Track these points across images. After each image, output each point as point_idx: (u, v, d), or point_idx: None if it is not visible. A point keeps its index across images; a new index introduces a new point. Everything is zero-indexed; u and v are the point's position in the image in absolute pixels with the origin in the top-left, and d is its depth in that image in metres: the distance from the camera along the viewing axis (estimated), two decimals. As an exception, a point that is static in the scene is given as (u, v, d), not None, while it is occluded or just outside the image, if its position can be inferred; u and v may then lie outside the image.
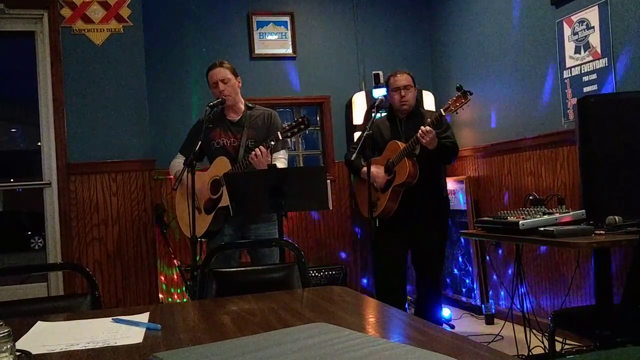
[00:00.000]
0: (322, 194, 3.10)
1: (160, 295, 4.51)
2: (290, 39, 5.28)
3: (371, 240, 3.54)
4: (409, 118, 3.79)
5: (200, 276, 2.20)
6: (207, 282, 2.17)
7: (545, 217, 2.89)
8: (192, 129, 3.62)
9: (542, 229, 2.79)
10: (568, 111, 3.86)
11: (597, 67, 3.60)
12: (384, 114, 4.01)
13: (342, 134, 5.35)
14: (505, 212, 3.20)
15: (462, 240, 4.91)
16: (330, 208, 3.36)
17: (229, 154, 3.41)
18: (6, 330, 1.09)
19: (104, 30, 4.13)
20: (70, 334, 1.48)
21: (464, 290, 4.98)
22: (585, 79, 3.69)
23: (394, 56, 5.48)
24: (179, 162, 3.53)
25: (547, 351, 3.24)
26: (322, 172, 3.30)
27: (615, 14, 3.46)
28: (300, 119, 3.25)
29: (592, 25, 3.62)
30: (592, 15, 3.61)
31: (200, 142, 3.22)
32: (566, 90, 3.87)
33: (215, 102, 3.38)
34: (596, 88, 3.60)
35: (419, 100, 4.00)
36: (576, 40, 3.75)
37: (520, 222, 2.86)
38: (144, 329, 1.49)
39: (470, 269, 4.87)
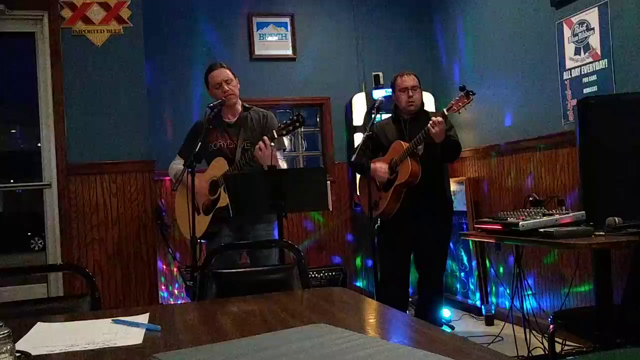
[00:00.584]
0: (322, 195, 3.10)
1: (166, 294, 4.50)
2: (290, 40, 5.29)
3: (371, 241, 3.55)
4: (414, 119, 3.78)
5: (200, 277, 2.20)
6: (207, 283, 2.17)
7: (545, 218, 2.89)
8: (190, 131, 3.61)
9: (542, 230, 2.79)
10: (568, 112, 3.86)
11: (597, 69, 3.60)
12: (385, 116, 4.01)
13: (342, 135, 5.35)
14: (505, 213, 3.20)
15: (462, 241, 4.91)
16: (330, 209, 3.37)
17: (225, 155, 3.41)
18: (6, 331, 1.08)
19: (104, 31, 4.14)
20: (70, 335, 1.48)
21: (464, 291, 4.98)
22: (585, 80, 3.69)
23: (394, 57, 5.48)
24: (177, 164, 3.53)
25: (547, 352, 3.24)
26: (322, 173, 3.31)
27: (615, 16, 3.46)
28: (295, 117, 3.24)
29: (592, 27, 3.62)
30: (592, 16, 3.62)
31: (200, 143, 3.22)
32: (566, 92, 3.87)
33: (215, 103, 3.37)
34: (596, 89, 3.60)
35: (423, 102, 4.00)
36: (576, 41, 3.75)
37: (520, 223, 2.86)
38: (144, 330, 1.49)
39: (470, 269, 4.87)
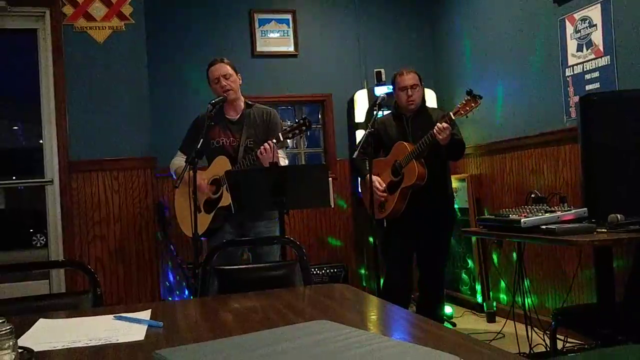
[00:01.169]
0: (324, 192, 3.10)
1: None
2: (292, 36, 5.28)
3: (380, 244, 3.54)
4: (416, 116, 3.78)
5: (201, 274, 2.20)
6: (208, 279, 2.17)
7: (547, 215, 2.89)
8: (191, 127, 3.61)
9: (544, 227, 2.79)
10: (570, 109, 3.85)
11: (599, 65, 3.59)
12: (387, 112, 4.01)
13: (344, 132, 5.34)
14: (507, 210, 3.20)
15: (464, 237, 4.91)
16: (332, 206, 3.36)
17: (227, 153, 3.40)
18: (8, 328, 1.09)
19: (105, 28, 4.13)
20: (72, 331, 1.48)
21: (465, 288, 4.98)
22: (588, 77, 3.69)
23: (396, 54, 5.47)
24: (179, 160, 3.52)
25: (548, 349, 3.24)
26: (324, 170, 3.30)
27: (617, 12, 3.45)
28: (301, 120, 3.24)
29: (594, 23, 3.61)
30: (594, 13, 3.61)
31: (202, 140, 3.21)
32: (568, 88, 3.86)
33: (216, 99, 3.37)
34: (598, 86, 3.60)
35: (424, 98, 3.99)
36: (578, 38, 3.75)
37: (522, 220, 2.85)
38: (146, 327, 1.49)
39: (472, 266, 4.87)
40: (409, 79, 3.73)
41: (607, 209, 2.76)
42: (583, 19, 3.70)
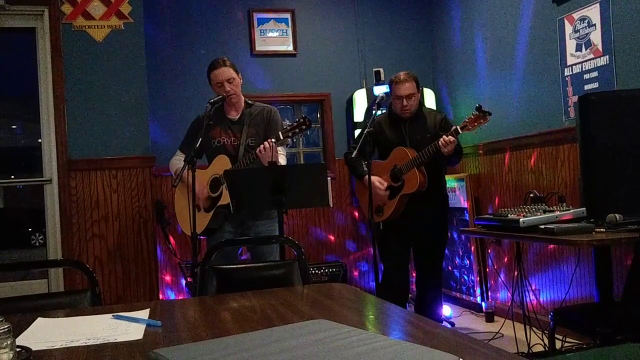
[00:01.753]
0: (323, 191, 3.09)
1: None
2: (291, 35, 5.28)
3: (376, 243, 3.54)
4: (413, 120, 3.78)
5: (200, 273, 2.20)
6: (207, 279, 2.17)
7: (546, 214, 2.89)
8: (191, 126, 3.60)
9: (542, 226, 2.79)
10: (569, 109, 3.85)
11: (598, 65, 3.60)
12: (384, 111, 4.01)
13: (343, 132, 5.34)
14: (505, 209, 3.20)
15: (463, 237, 4.91)
16: (331, 205, 3.36)
17: (228, 152, 3.40)
18: (7, 326, 1.09)
19: (104, 26, 4.13)
20: (70, 330, 1.48)
21: (464, 287, 4.98)
22: (587, 76, 3.69)
23: (395, 53, 5.48)
24: (178, 159, 3.52)
25: (547, 349, 3.24)
26: (323, 170, 3.30)
27: (616, 12, 3.45)
28: (301, 120, 3.23)
29: (593, 23, 3.61)
30: (593, 12, 3.61)
31: (201, 139, 3.21)
32: (567, 88, 3.87)
33: (215, 98, 3.36)
34: (597, 86, 3.60)
35: (421, 101, 3.98)
36: (577, 37, 3.75)
37: (521, 219, 2.86)
38: (144, 326, 1.49)
39: (470, 266, 4.88)
40: (405, 89, 3.68)
41: (605, 209, 2.76)
42: (582, 19, 3.70)
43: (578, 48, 3.75)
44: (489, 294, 4.78)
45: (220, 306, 1.77)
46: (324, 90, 5.34)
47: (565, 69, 3.87)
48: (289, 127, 3.25)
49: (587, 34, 3.66)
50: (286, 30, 5.27)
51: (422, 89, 4.79)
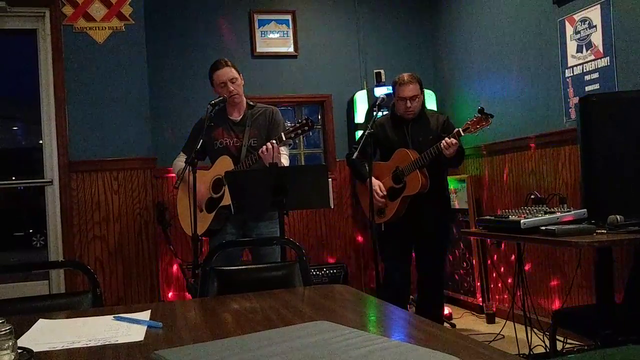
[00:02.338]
0: (324, 193, 3.09)
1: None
2: (291, 37, 5.28)
3: (378, 244, 3.54)
4: (415, 122, 3.78)
5: (201, 274, 2.20)
6: (208, 280, 2.17)
7: (547, 216, 2.89)
8: (193, 128, 3.61)
9: (543, 228, 2.79)
10: (570, 110, 3.85)
11: (599, 66, 3.60)
12: (385, 112, 4.01)
13: (344, 133, 5.34)
14: (506, 211, 3.20)
15: (464, 239, 4.91)
16: (332, 206, 3.36)
17: (231, 153, 3.40)
18: (8, 328, 1.09)
19: (105, 28, 4.14)
20: (71, 332, 1.48)
21: (465, 289, 4.98)
22: (587, 77, 3.69)
23: (395, 54, 5.48)
24: (181, 160, 3.53)
25: (548, 350, 3.24)
26: (324, 171, 3.30)
27: (617, 13, 3.45)
28: (303, 121, 3.24)
29: (594, 24, 3.61)
30: (594, 14, 3.61)
31: (201, 141, 3.22)
32: (568, 89, 3.87)
33: (217, 100, 3.37)
34: (598, 87, 3.60)
35: (423, 102, 3.98)
36: (578, 39, 3.75)
37: (522, 221, 2.85)
38: (145, 327, 1.49)
39: (471, 267, 4.87)
40: (409, 90, 3.69)
41: (606, 210, 2.76)
42: (583, 20, 3.70)
43: (579, 49, 3.75)
44: (490, 295, 4.78)
45: (222, 307, 1.77)
46: (324, 91, 5.34)
47: (566, 70, 3.87)
48: (291, 128, 3.26)
49: (588, 35, 3.66)
50: (287, 31, 5.28)
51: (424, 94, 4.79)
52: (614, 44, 3.47)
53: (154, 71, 4.66)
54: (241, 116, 3.49)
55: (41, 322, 1.59)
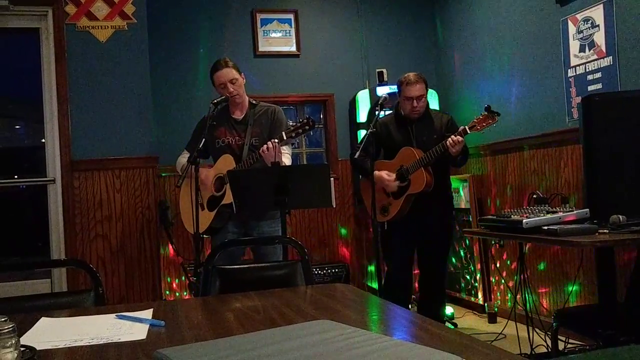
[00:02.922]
0: (326, 192, 3.09)
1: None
2: (294, 36, 5.28)
3: (380, 243, 3.54)
4: (419, 121, 3.78)
5: (203, 273, 2.20)
6: (210, 279, 2.17)
7: (549, 215, 2.88)
8: (197, 126, 3.62)
9: (545, 227, 2.79)
10: (572, 110, 3.85)
11: (601, 66, 3.59)
12: (388, 112, 4.00)
13: (346, 132, 5.34)
14: (508, 210, 3.20)
15: (466, 238, 4.91)
16: (334, 206, 3.36)
17: (233, 152, 3.41)
18: (10, 326, 1.09)
19: (108, 27, 4.14)
20: (74, 330, 1.48)
21: (466, 288, 4.98)
22: (590, 77, 3.68)
23: (398, 54, 5.47)
24: (184, 158, 3.53)
25: (550, 350, 3.24)
26: (326, 170, 3.30)
27: (620, 13, 3.44)
28: (305, 120, 3.24)
29: (597, 24, 3.61)
30: (597, 13, 3.60)
31: (204, 139, 3.22)
32: (570, 89, 3.86)
33: (219, 99, 3.37)
34: (601, 87, 3.59)
35: (427, 102, 3.98)
36: (581, 38, 3.74)
37: (524, 220, 2.85)
38: (148, 326, 1.49)
39: (473, 267, 4.87)
40: (416, 90, 3.68)
41: (609, 210, 2.75)
42: (585, 20, 3.69)
43: (581, 49, 3.74)
44: (492, 294, 4.77)
45: (224, 306, 1.77)
46: (327, 90, 5.34)
47: (569, 70, 3.86)
48: (292, 127, 3.26)
49: (590, 34, 3.66)
50: (289, 30, 5.28)
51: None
52: (616, 44, 3.47)
53: (156, 70, 4.67)
54: (243, 115, 3.50)
55: (43, 321, 1.60)
